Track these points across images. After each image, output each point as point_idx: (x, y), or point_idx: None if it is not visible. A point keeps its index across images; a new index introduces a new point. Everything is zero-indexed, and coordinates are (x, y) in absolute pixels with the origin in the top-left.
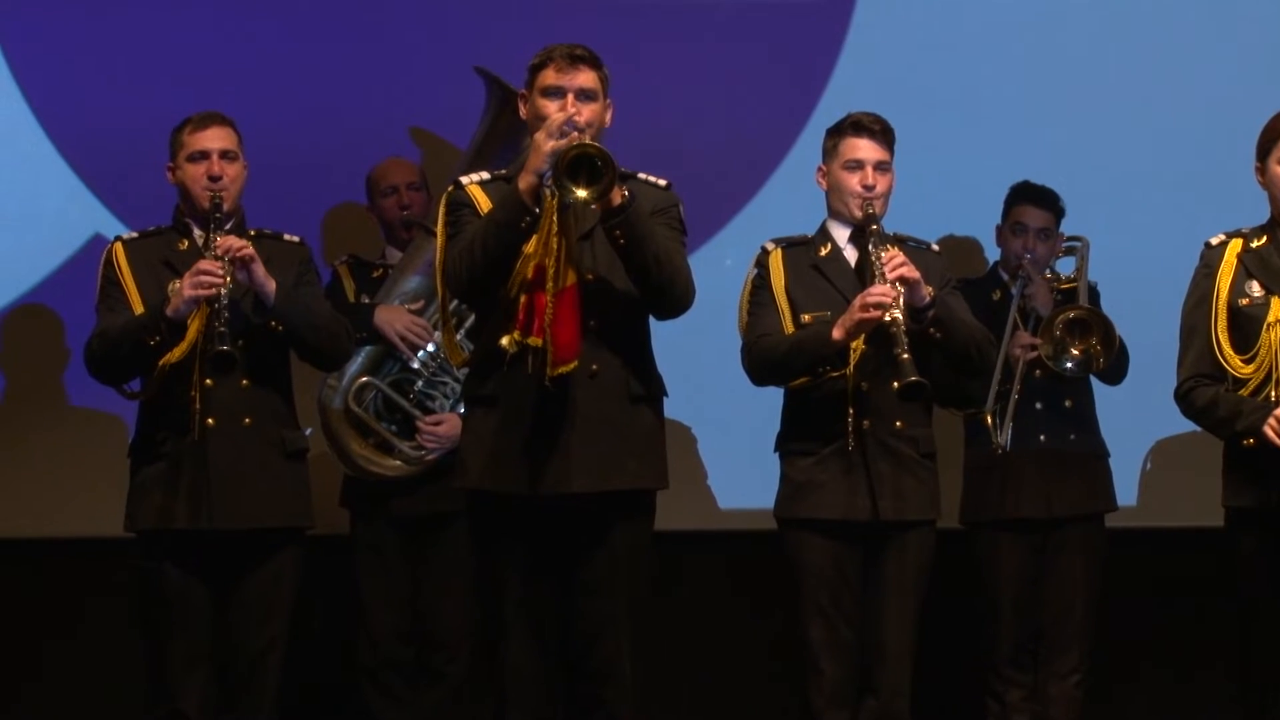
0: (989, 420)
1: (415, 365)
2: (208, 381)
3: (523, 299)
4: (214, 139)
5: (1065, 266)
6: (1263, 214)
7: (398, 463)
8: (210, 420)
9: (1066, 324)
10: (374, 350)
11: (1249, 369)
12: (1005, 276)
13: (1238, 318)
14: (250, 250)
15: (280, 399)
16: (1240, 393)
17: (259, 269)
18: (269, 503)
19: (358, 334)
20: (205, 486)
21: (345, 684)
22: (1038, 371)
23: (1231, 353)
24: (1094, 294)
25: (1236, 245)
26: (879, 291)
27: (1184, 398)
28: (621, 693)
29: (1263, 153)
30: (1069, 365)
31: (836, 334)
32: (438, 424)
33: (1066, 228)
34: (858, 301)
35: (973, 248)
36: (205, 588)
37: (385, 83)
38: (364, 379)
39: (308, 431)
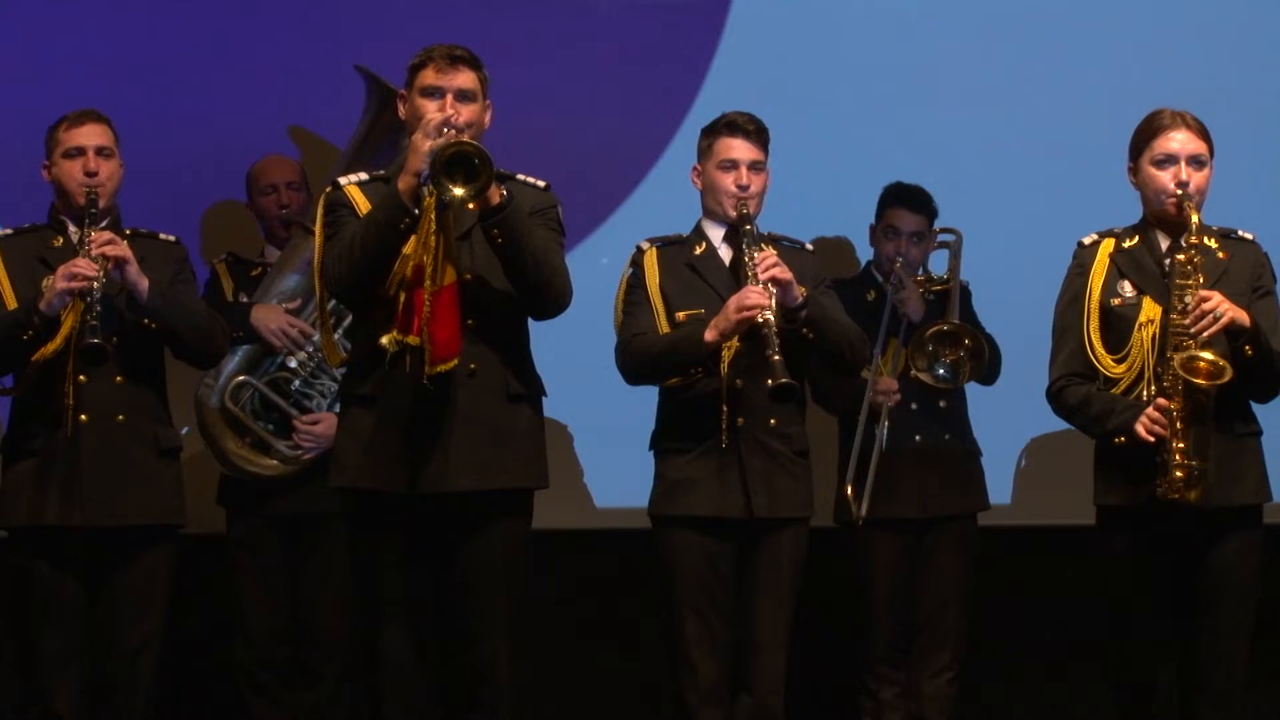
0: (849, 491)
1: (292, 364)
2: (81, 378)
3: (401, 297)
4: (90, 136)
5: (939, 261)
6: (1135, 214)
7: (274, 462)
8: (83, 416)
9: (937, 336)
10: (251, 349)
11: (1120, 368)
12: (879, 277)
13: (1110, 317)
14: (123, 250)
15: (154, 396)
16: (1112, 392)
17: (132, 268)
18: (142, 500)
19: (235, 333)
20: (78, 482)
21: (221, 683)
22: (912, 373)
23: (1103, 352)
24: (965, 294)
25: (1109, 245)
26: (752, 294)
27: (1056, 396)
28: (499, 692)
29: (1135, 153)
30: (941, 373)
31: (709, 336)
32: (315, 423)
33: (942, 224)
34: (731, 305)
35: (847, 247)
36: (77, 585)
37: (265, 81)
38: (241, 378)
39: (184, 430)
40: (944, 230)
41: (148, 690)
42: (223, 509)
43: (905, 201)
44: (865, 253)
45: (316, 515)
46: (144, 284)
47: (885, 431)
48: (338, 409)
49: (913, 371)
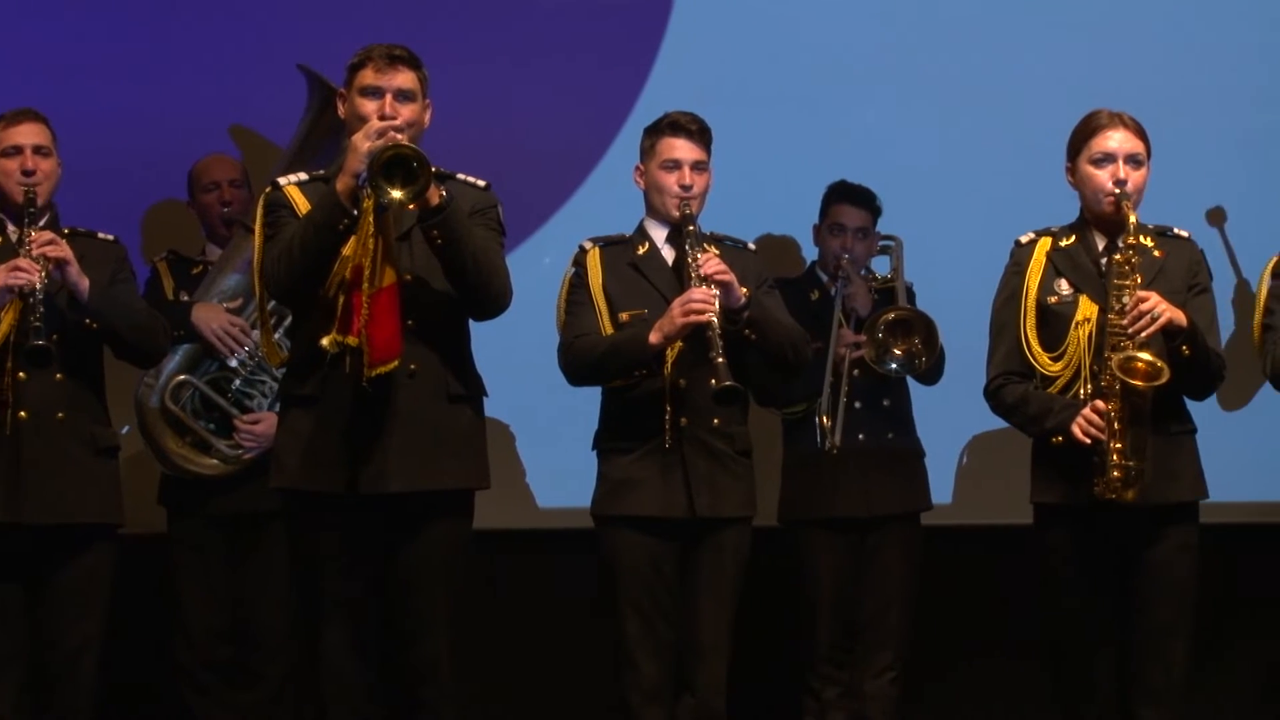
0: (825, 421)
1: (233, 364)
2: (20, 375)
3: (341, 298)
4: (27, 134)
5: (880, 265)
6: (1073, 213)
7: (215, 461)
8: (22, 414)
9: (888, 325)
10: (191, 348)
11: (1057, 366)
12: (823, 276)
13: (1046, 315)
14: (64, 251)
15: (94, 395)
16: (1049, 390)
17: (72, 268)
18: (81, 498)
19: (175, 332)
20: (16, 480)
21: (163, 684)
22: (856, 371)
23: (1040, 350)
24: (910, 294)
25: (1046, 244)
26: (696, 296)
27: (993, 395)
28: (442, 692)
29: (1073, 153)
30: (893, 366)
31: (654, 338)
32: (255, 423)
33: (882, 226)
34: (675, 307)
35: (790, 247)
36: (17, 585)
37: (207, 79)
38: (181, 377)
39: (124, 430)
40: (884, 237)
41: (89, 690)
42: (164, 509)
43: (850, 198)
44: (810, 252)
45: (258, 515)
46: (84, 284)
47: (846, 385)
48: (278, 408)
49: (855, 370)
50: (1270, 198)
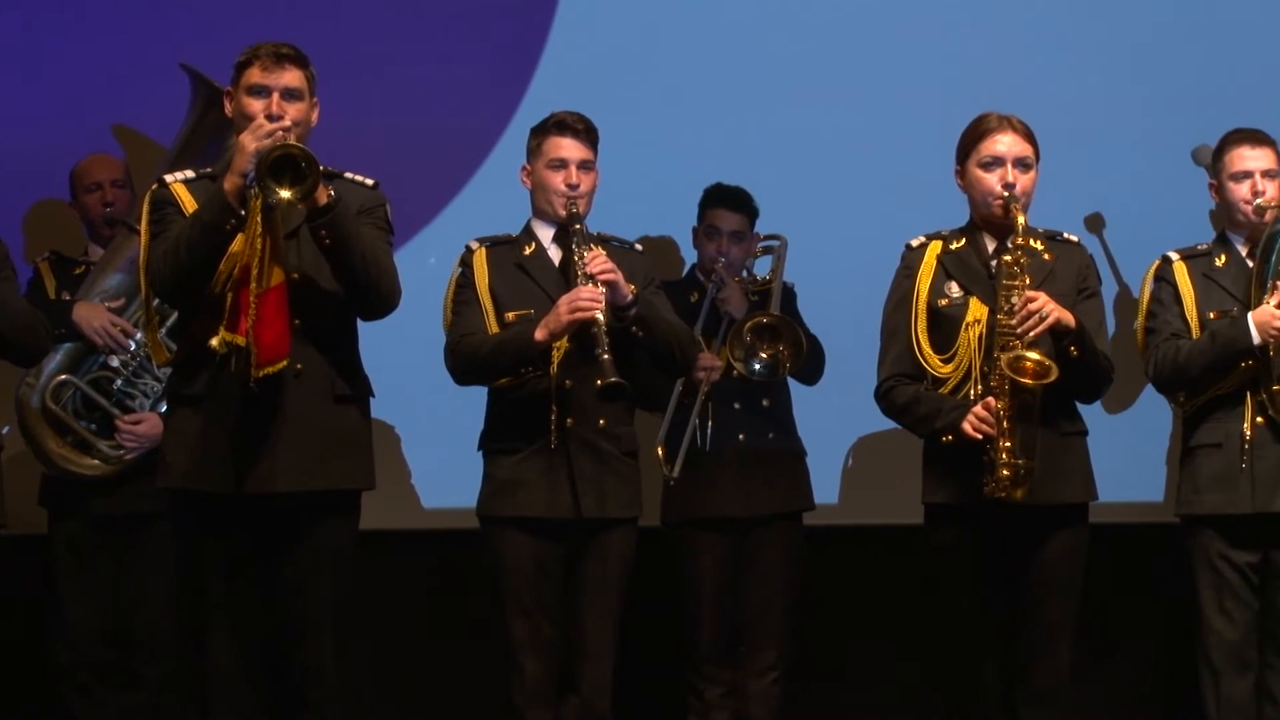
0: (660, 452)
1: (115, 364)
2: None
3: (229, 297)
4: None
5: (763, 266)
6: (962, 216)
7: (96, 462)
8: None
9: (755, 329)
10: (73, 348)
11: (948, 368)
12: (703, 278)
13: (937, 318)
14: None
15: None
16: (939, 391)
17: None
18: None
19: (56, 331)
20: None
21: (44, 684)
22: (734, 372)
23: (931, 352)
24: (789, 294)
25: (936, 247)
26: (584, 294)
27: (884, 397)
28: (327, 693)
29: (962, 155)
30: (757, 368)
31: (539, 335)
32: (137, 423)
33: (769, 227)
34: (562, 305)
35: (671, 249)
36: None
37: (89, 78)
38: (62, 377)
39: (5, 430)
40: (769, 236)
41: None
42: (44, 509)
43: (725, 201)
44: (691, 254)
45: (140, 515)
46: None
47: (702, 401)
48: (161, 408)
49: (733, 371)
50: (1152, 202)
